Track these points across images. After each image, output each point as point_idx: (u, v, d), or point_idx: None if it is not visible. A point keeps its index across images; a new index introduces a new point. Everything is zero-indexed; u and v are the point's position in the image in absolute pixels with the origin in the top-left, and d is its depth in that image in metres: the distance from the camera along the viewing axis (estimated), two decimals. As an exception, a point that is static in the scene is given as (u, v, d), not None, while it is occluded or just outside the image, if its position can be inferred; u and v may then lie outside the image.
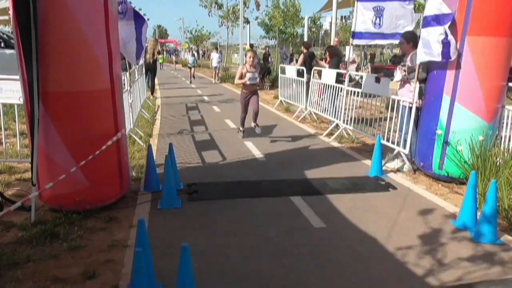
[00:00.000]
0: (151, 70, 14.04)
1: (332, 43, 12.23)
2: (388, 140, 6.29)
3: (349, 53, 8.52)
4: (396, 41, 6.91)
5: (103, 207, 4.33)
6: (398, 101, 6.11)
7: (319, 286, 3.06)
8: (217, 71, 21.48)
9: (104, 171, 4.29)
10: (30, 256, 3.37)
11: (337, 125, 8.30)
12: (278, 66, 14.45)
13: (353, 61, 12.02)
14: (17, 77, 4.18)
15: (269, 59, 23.80)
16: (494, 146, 5.04)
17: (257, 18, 26.15)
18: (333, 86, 8.53)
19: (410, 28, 6.74)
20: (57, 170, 3.92)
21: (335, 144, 7.63)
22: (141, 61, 13.60)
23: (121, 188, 4.56)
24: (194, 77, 20.70)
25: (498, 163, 4.72)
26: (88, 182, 4.14)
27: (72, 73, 3.94)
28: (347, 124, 7.71)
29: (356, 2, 7.09)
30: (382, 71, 9.50)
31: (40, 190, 3.88)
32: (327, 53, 10.04)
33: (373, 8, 6.85)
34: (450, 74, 5.10)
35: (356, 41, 7.38)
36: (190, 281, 2.66)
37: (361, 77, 7.84)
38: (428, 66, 5.48)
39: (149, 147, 5.11)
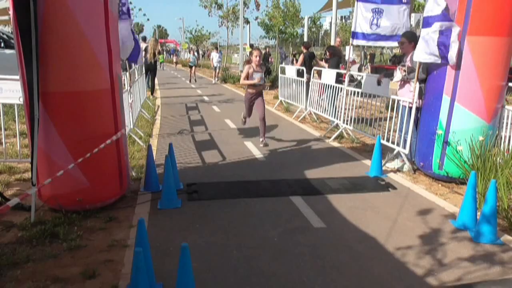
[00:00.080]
0: (151, 70, 14.05)
1: (334, 44, 12.22)
2: (388, 140, 6.29)
3: (349, 53, 8.52)
4: (391, 44, 6.93)
5: (103, 207, 4.33)
6: (398, 101, 6.12)
7: (319, 286, 3.06)
8: (217, 71, 21.46)
9: (104, 171, 4.29)
10: (30, 256, 3.37)
11: (337, 125, 8.31)
12: (278, 66, 14.45)
13: (353, 61, 12.03)
14: (17, 77, 4.18)
15: (269, 59, 23.79)
16: (494, 146, 5.04)
17: (257, 18, 26.15)
18: (333, 86, 8.53)
19: (401, 31, 6.76)
20: (57, 170, 3.91)
21: (335, 144, 7.63)
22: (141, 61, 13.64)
23: (121, 188, 4.56)
24: (195, 80, 20.32)
25: (498, 163, 4.72)
26: (88, 182, 4.14)
27: (72, 73, 3.94)
28: (347, 124, 7.71)
29: (356, 2, 7.09)
30: (382, 71, 9.50)
31: (39, 186, 3.87)
32: (328, 53, 10.04)
33: (372, 10, 6.86)
34: (450, 74, 5.10)
35: (356, 41, 7.39)
36: (190, 281, 2.66)
37: (362, 77, 7.84)
38: (428, 67, 5.48)
39: (149, 147, 5.11)
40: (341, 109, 7.97)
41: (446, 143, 5.22)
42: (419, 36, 5.39)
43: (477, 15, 4.81)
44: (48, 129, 3.98)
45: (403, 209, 4.54)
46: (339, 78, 8.72)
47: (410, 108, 5.78)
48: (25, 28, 3.67)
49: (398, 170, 5.97)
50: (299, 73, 10.82)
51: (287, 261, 3.41)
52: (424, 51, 5.09)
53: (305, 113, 10.29)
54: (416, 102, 5.66)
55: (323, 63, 10.43)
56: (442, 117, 5.22)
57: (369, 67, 21.43)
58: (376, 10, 6.76)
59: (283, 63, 18.19)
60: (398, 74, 5.91)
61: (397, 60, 14.11)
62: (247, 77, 7.10)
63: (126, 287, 2.96)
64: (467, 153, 5.04)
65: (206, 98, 14.52)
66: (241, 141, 7.75)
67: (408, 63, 5.91)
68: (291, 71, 11.48)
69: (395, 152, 6.09)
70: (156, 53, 14.16)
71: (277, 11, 24.00)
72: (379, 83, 6.71)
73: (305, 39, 25.91)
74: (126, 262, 3.33)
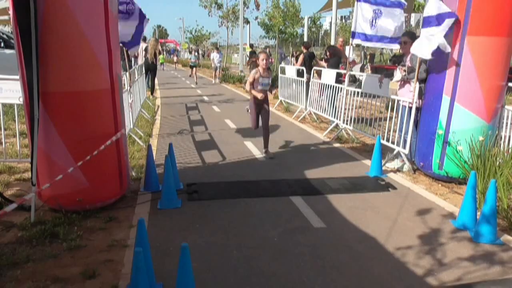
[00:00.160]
0: (151, 70, 14.05)
1: (337, 44, 12.21)
2: (388, 140, 6.30)
3: (349, 53, 8.52)
4: (390, 46, 6.92)
5: (103, 207, 4.33)
6: (398, 101, 6.12)
7: (319, 286, 3.06)
8: (218, 71, 21.40)
9: (104, 171, 4.29)
10: (29, 256, 3.37)
11: (337, 125, 8.31)
12: (278, 66, 14.46)
13: (353, 62, 12.03)
14: (17, 77, 4.18)
15: (270, 59, 23.79)
16: (494, 146, 5.04)
17: (257, 18, 26.17)
18: (333, 86, 8.53)
19: (398, 34, 6.75)
20: (57, 170, 3.92)
21: (335, 144, 7.63)
22: (141, 61, 13.64)
23: (121, 188, 4.56)
24: (197, 82, 20.01)
25: (498, 163, 4.72)
26: (88, 182, 4.14)
27: (72, 73, 3.94)
28: (347, 124, 7.71)
29: (356, 2, 7.10)
30: (382, 71, 9.50)
31: (37, 191, 3.87)
32: (328, 53, 10.03)
33: (372, 11, 6.86)
34: (450, 74, 5.10)
35: (356, 41, 7.39)
36: (190, 281, 2.66)
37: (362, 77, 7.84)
38: (426, 68, 5.48)
39: (149, 147, 5.11)
40: (341, 109, 7.97)
41: (446, 143, 5.22)
42: (418, 36, 5.39)
43: (477, 15, 4.81)
44: (48, 129, 3.98)
45: (403, 209, 4.54)
46: (339, 78, 8.73)
47: (410, 108, 5.78)
48: (25, 28, 3.67)
49: (398, 170, 5.97)
50: (299, 73, 10.83)
51: (287, 261, 3.41)
52: (426, 48, 5.02)
53: (305, 113, 10.29)
54: (416, 102, 5.66)
55: (323, 63, 10.43)
56: (442, 117, 5.22)
57: (369, 67, 21.43)
58: (376, 11, 6.76)
59: (283, 63, 18.18)
60: (398, 74, 5.92)
61: (397, 60, 14.11)
62: (253, 83, 6.54)
63: (126, 287, 2.96)
64: (467, 153, 5.04)
65: (206, 98, 14.52)
66: (241, 141, 7.75)
67: (408, 63, 5.91)
68: (291, 71, 11.48)
69: (395, 152, 6.09)
70: (157, 53, 14.15)
71: (277, 11, 24.03)
72: (380, 85, 6.69)
73: (305, 39, 25.93)
74: (126, 262, 3.33)
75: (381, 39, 6.92)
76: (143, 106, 10.68)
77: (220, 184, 5.28)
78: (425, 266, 3.33)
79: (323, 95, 9.19)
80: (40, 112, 3.89)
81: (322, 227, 4.05)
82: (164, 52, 47.97)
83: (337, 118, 8.21)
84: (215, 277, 3.16)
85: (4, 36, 12.61)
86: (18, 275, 3.11)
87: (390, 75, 6.30)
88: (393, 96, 6.35)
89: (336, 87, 8.47)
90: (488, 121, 5.09)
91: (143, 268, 2.58)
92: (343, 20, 52.72)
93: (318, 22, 42.30)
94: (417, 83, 5.60)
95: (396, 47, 6.90)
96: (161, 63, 33.04)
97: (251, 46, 25.33)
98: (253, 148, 7.15)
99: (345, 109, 7.81)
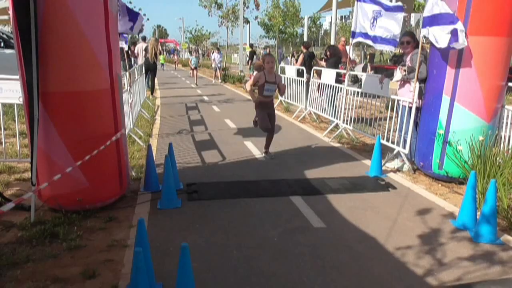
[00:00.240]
0: (151, 70, 14.05)
1: (338, 43, 12.22)
2: (388, 140, 6.30)
3: (349, 53, 8.51)
4: (388, 47, 6.89)
5: (102, 207, 4.33)
6: (398, 101, 6.12)
7: (319, 286, 3.06)
8: (218, 72, 21.34)
9: (104, 171, 4.29)
10: (29, 256, 3.37)
11: (337, 125, 8.31)
12: (278, 66, 14.45)
13: (353, 61, 12.02)
14: (17, 77, 4.18)
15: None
16: (494, 146, 5.04)
17: (256, 18, 26.13)
18: (333, 86, 8.53)
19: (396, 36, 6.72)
20: (57, 170, 3.91)
21: (335, 144, 7.63)
22: (141, 61, 13.64)
23: (121, 188, 4.56)
24: (197, 83, 19.94)
25: (498, 163, 4.72)
26: (88, 182, 4.14)
27: (72, 73, 3.94)
28: (346, 124, 7.71)
29: (356, 2, 7.09)
30: (382, 71, 9.50)
31: (35, 190, 3.86)
32: (328, 52, 10.03)
33: (372, 11, 6.85)
34: (449, 74, 5.10)
35: (356, 40, 7.39)
36: (190, 281, 2.66)
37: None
38: (427, 67, 5.49)
39: (149, 147, 5.11)
40: (341, 109, 7.97)
41: (446, 143, 5.22)
42: (418, 36, 5.39)
43: (477, 15, 4.81)
44: (48, 129, 3.98)
45: (403, 209, 4.54)
46: (339, 78, 8.73)
47: (410, 108, 5.78)
48: (25, 28, 3.67)
49: (398, 170, 5.97)
50: (299, 73, 10.83)
51: (287, 261, 3.41)
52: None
53: (305, 113, 10.29)
54: (416, 102, 5.66)
55: (322, 62, 10.43)
56: (442, 117, 5.22)
57: (369, 67, 21.44)
58: (376, 11, 6.75)
59: (282, 62, 18.18)
60: (398, 74, 5.92)
61: (397, 60, 14.11)
62: (255, 84, 6.26)
63: (126, 287, 2.96)
64: (467, 153, 5.04)
65: (206, 98, 14.52)
66: (241, 141, 7.75)
67: (408, 63, 5.91)
68: (291, 71, 11.48)
69: (395, 152, 6.09)
70: (158, 53, 14.14)
71: (277, 11, 24.00)
72: (382, 86, 6.68)
73: (305, 39, 25.93)
74: (126, 262, 3.33)
75: (382, 40, 6.91)
76: (143, 106, 10.69)
77: (220, 184, 5.28)
78: (425, 266, 3.33)
79: (322, 95, 9.19)
80: (40, 112, 3.88)
81: (322, 227, 4.05)
82: (164, 52, 47.96)
83: (337, 118, 8.21)
84: (215, 277, 3.16)
85: (4, 36, 12.61)
86: (18, 275, 3.11)
87: (390, 75, 6.30)
88: (393, 96, 6.35)
89: (336, 87, 8.47)
90: (488, 121, 5.09)
91: (143, 268, 2.58)
92: (343, 20, 52.72)
93: (318, 22, 42.30)
94: (417, 83, 5.60)
95: (391, 49, 6.86)
96: (162, 64, 32.97)
97: (251, 46, 25.33)
98: (253, 148, 7.15)
99: (345, 109, 7.81)
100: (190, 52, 40.01)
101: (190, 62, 21.75)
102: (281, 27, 24.20)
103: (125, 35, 6.74)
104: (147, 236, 2.85)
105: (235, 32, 27.85)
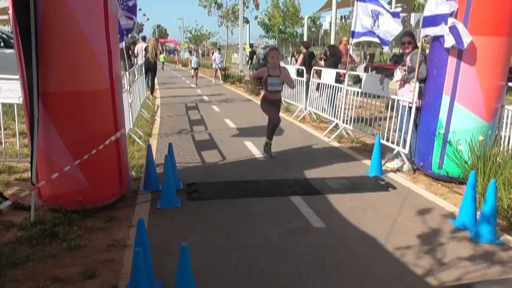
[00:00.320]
0: (151, 70, 14.05)
1: (340, 43, 12.22)
2: (387, 140, 6.30)
3: (349, 52, 8.52)
4: (384, 46, 6.90)
5: (102, 206, 4.33)
6: (398, 100, 6.12)
7: (319, 286, 3.06)
8: (219, 72, 21.28)
9: (104, 170, 4.29)
10: (29, 255, 3.37)
11: (336, 124, 8.31)
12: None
13: (353, 61, 12.01)
14: (17, 77, 4.18)
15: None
16: (494, 146, 5.04)
17: (256, 17, 26.15)
18: (333, 86, 8.53)
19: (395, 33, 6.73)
20: (56, 170, 3.90)
21: (335, 144, 7.63)
22: (141, 61, 13.64)
23: (121, 188, 4.56)
24: (197, 83, 19.80)
25: (498, 163, 4.72)
26: (87, 182, 4.14)
27: (72, 73, 3.94)
28: (346, 124, 7.71)
29: (356, 2, 7.09)
30: (382, 71, 9.49)
31: (32, 188, 3.86)
32: (328, 52, 10.03)
33: (371, 11, 6.85)
34: (449, 73, 5.10)
35: (355, 40, 7.39)
36: (190, 281, 2.66)
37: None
38: (427, 67, 5.48)
39: (149, 147, 5.11)
40: (341, 109, 7.97)
41: (446, 142, 5.22)
42: (418, 36, 5.39)
43: (477, 15, 4.81)
44: (48, 129, 3.98)
45: (403, 209, 4.54)
46: (339, 78, 8.72)
47: (410, 108, 5.78)
48: (25, 28, 3.67)
49: (398, 170, 5.97)
50: (299, 73, 10.82)
51: (287, 261, 3.41)
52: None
53: (305, 113, 10.29)
54: (416, 102, 5.66)
55: (322, 62, 10.43)
56: (442, 117, 5.22)
57: (369, 67, 21.46)
58: (375, 12, 6.75)
59: (282, 63, 18.14)
60: (398, 74, 5.92)
61: (398, 60, 14.11)
62: (263, 82, 6.18)
63: (126, 287, 2.96)
64: (467, 153, 5.04)
65: (206, 98, 14.52)
66: (241, 141, 7.74)
67: (408, 63, 5.91)
68: (290, 71, 11.46)
69: (395, 152, 6.09)
70: (158, 53, 14.14)
71: (276, 11, 24.02)
72: (383, 87, 6.67)
73: (305, 39, 25.92)
74: (126, 262, 3.33)
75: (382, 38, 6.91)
76: (142, 106, 10.69)
77: (220, 184, 5.28)
78: (425, 266, 3.33)
79: (322, 95, 9.18)
80: (40, 112, 3.88)
81: (322, 227, 4.05)
82: (165, 52, 47.96)
83: (337, 118, 8.21)
84: (215, 277, 3.16)
85: (4, 36, 12.61)
86: (18, 275, 3.11)
87: (390, 75, 6.30)
88: (393, 96, 6.35)
89: (336, 86, 8.46)
90: (488, 121, 5.09)
91: (143, 268, 2.58)
92: (343, 20, 52.74)
93: (318, 22, 42.31)
94: (417, 83, 5.60)
95: (388, 49, 6.88)
96: (162, 63, 32.91)
97: (251, 46, 25.35)
98: (253, 148, 7.15)
99: (345, 109, 7.81)
100: (190, 52, 39.98)
101: (190, 62, 21.70)
102: (281, 27, 24.23)
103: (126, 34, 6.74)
104: (147, 236, 2.85)
105: (235, 32, 27.85)
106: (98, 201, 4.29)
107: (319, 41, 62.79)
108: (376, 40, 6.97)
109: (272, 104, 6.29)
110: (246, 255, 3.50)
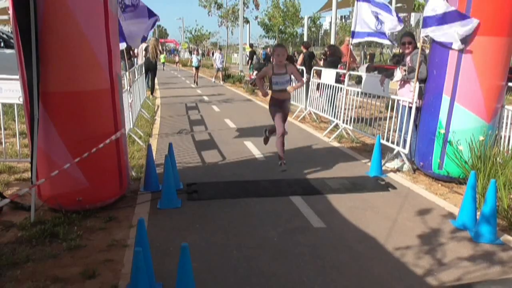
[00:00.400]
0: (151, 70, 14.05)
1: (340, 43, 12.23)
2: (388, 140, 6.30)
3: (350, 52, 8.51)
4: (383, 40, 6.91)
5: (102, 206, 4.33)
6: (398, 101, 6.12)
7: (319, 286, 3.06)
8: (220, 72, 21.24)
9: (104, 170, 4.29)
10: (29, 255, 3.37)
11: (336, 125, 8.31)
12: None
13: (355, 61, 12.01)
14: (17, 77, 4.18)
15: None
16: (494, 146, 5.04)
17: (256, 17, 26.14)
18: (333, 86, 8.53)
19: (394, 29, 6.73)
20: (56, 170, 3.91)
21: (335, 144, 7.63)
22: (141, 61, 13.64)
23: (121, 187, 4.56)
24: (197, 83, 19.64)
25: (498, 163, 4.72)
26: (87, 182, 4.14)
27: (72, 73, 3.94)
28: (346, 124, 7.71)
29: (356, 2, 7.09)
30: (382, 71, 9.49)
31: (31, 187, 3.87)
32: (328, 52, 10.02)
33: (371, 11, 6.86)
34: (449, 74, 5.10)
35: (355, 40, 7.39)
36: (190, 280, 2.66)
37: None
38: (427, 67, 5.48)
39: (149, 147, 5.11)
40: (341, 109, 7.97)
41: (446, 142, 5.22)
42: (419, 37, 5.39)
43: (477, 15, 4.81)
44: (48, 129, 3.98)
45: (403, 209, 4.54)
46: (339, 78, 8.72)
47: (410, 108, 5.78)
48: (25, 28, 3.67)
49: (398, 170, 5.97)
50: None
51: (287, 261, 3.41)
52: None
53: (305, 113, 10.29)
54: (416, 102, 5.66)
55: (322, 62, 10.43)
56: (442, 117, 5.22)
57: (370, 67, 21.46)
58: (375, 12, 6.75)
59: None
60: (398, 74, 5.91)
61: (398, 60, 14.11)
62: (262, 78, 5.94)
63: (126, 287, 2.96)
64: (467, 153, 5.04)
65: (206, 98, 14.52)
66: (241, 141, 7.74)
67: (408, 63, 5.91)
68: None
69: (395, 152, 6.09)
70: (158, 53, 14.12)
71: (277, 11, 24.02)
72: (384, 88, 6.66)
73: (305, 39, 25.91)
74: (126, 262, 3.33)
75: (380, 35, 6.91)
76: (143, 106, 10.68)
77: (220, 184, 5.28)
78: (425, 266, 3.33)
79: (322, 95, 9.18)
80: (40, 112, 3.89)
81: (322, 227, 4.05)
82: (165, 52, 47.93)
83: (337, 118, 8.21)
84: (215, 277, 3.16)
85: (4, 36, 12.61)
86: (18, 275, 3.11)
87: (390, 75, 6.30)
88: (393, 96, 6.35)
89: (336, 86, 8.46)
90: (488, 121, 5.09)
91: (143, 268, 2.58)
92: (343, 20, 52.74)
93: (318, 22, 42.30)
94: (417, 83, 5.60)
95: (387, 42, 6.96)
96: (163, 63, 32.87)
97: (251, 46, 25.36)
98: (253, 148, 7.15)
99: (345, 109, 7.81)
100: (191, 52, 39.96)
101: (191, 61, 21.66)
102: (281, 27, 24.23)
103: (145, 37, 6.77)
104: (147, 236, 2.85)
105: (235, 32, 27.84)
106: (98, 201, 4.29)
107: (319, 41, 62.80)
108: (385, 41, 6.98)
109: (279, 107, 5.64)
110: (246, 255, 3.50)
